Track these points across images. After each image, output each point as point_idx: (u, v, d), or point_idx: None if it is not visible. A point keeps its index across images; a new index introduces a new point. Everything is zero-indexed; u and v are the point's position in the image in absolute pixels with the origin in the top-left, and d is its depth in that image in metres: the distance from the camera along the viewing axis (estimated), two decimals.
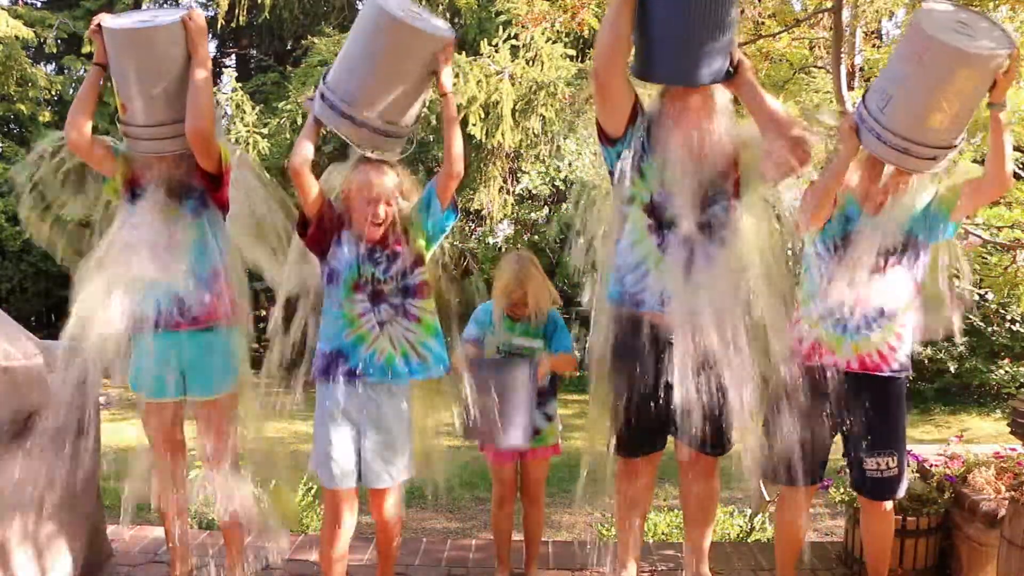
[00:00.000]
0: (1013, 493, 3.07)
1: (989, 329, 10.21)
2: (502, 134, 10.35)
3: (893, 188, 2.76)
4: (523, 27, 6.62)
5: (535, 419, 3.04)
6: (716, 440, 2.90)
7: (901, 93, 2.52)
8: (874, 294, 2.75)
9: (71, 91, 13.77)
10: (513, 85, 10.36)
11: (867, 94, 2.70)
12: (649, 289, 2.74)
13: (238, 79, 12.70)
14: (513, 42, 10.30)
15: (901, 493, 2.92)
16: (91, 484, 3.00)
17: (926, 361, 10.06)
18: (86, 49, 12.87)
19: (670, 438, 2.93)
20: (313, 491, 4.67)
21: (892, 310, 2.77)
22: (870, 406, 2.78)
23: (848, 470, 2.97)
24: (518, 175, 11.95)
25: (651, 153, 2.72)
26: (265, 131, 11.20)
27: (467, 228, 12.79)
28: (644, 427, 2.87)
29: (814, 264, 2.83)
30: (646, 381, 2.79)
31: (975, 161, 4.43)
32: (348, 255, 2.70)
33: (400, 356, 2.70)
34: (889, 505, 2.93)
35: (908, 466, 2.97)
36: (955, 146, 2.59)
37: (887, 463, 2.81)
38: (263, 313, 13.78)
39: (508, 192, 11.74)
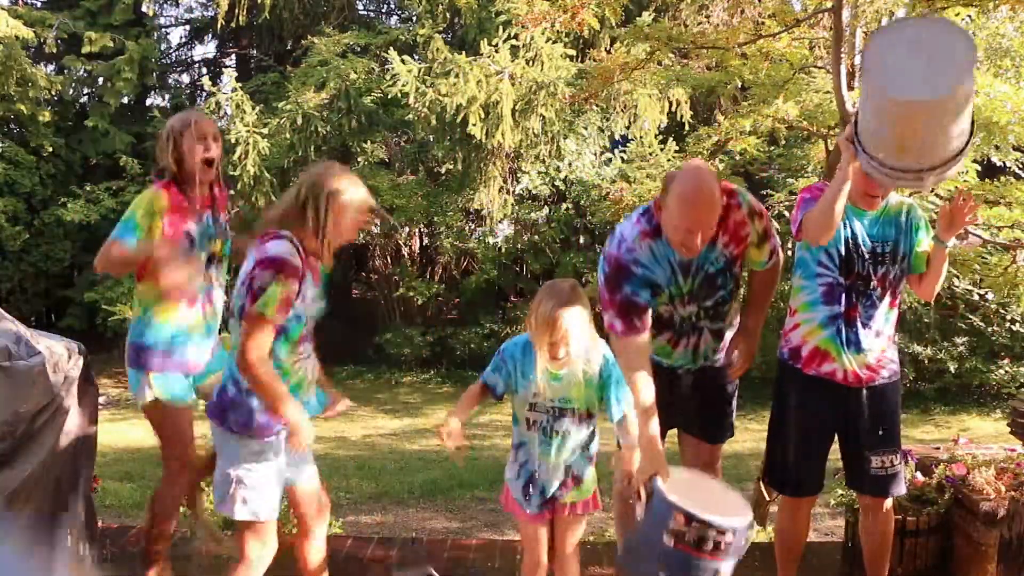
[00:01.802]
0: (1013, 493, 3.08)
1: (989, 329, 10.20)
2: (502, 134, 10.33)
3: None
4: (523, 27, 6.63)
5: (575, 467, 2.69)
6: (718, 428, 2.92)
7: (866, 125, 2.42)
8: (870, 305, 2.75)
9: (71, 91, 13.77)
10: (513, 85, 10.35)
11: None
12: (658, 361, 2.78)
13: (238, 79, 12.69)
14: (513, 42, 10.29)
15: (903, 490, 2.94)
16: (87, 483, 3.00)
17: (926, 361, 10.06)
18: (86, 49, 12.87)
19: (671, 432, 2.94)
20: None
21: (885, 321, 2.79)
22: (871, 411, 2.79)
23: (846, 472, 2.97)
24: (518, 175, 11.94)
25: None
26: (265, 131, 11.18)
27: (467, 228, 12.79)
28: None
29: (813, 271, 2.81)
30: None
31: (974, 161, 4.43)
32: (303, 306, 2.44)
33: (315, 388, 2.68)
34: (890, 503, 2.94)
35: (906, 464, 2.98)
36: (951, 160, 2.37)
37: (891, 460, 2.83)
38: None
39: (508, 192, 11.73)
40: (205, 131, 2.86)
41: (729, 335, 2.87)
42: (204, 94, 14.67)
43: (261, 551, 2.53)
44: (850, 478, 2.96)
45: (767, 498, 4.17)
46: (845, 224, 2.73)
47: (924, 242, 2.78)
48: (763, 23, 4.75)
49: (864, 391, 2.79)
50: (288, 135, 11.19)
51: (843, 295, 2.74)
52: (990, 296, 8.87)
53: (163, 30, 16.40)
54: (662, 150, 9.96)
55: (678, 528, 2.24)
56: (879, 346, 2.78)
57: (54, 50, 13.12)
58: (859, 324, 2.74)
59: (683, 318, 2.76)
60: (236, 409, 2.44)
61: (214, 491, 2.56)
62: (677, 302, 2.72)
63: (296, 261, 2.36)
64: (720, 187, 2.53)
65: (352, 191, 2.45)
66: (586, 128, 11.63)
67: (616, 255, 2.63)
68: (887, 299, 2.78)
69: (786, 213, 7.94)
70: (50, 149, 13.27)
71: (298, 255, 2.38)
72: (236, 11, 12.76)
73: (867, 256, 2.73)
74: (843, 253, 2.74)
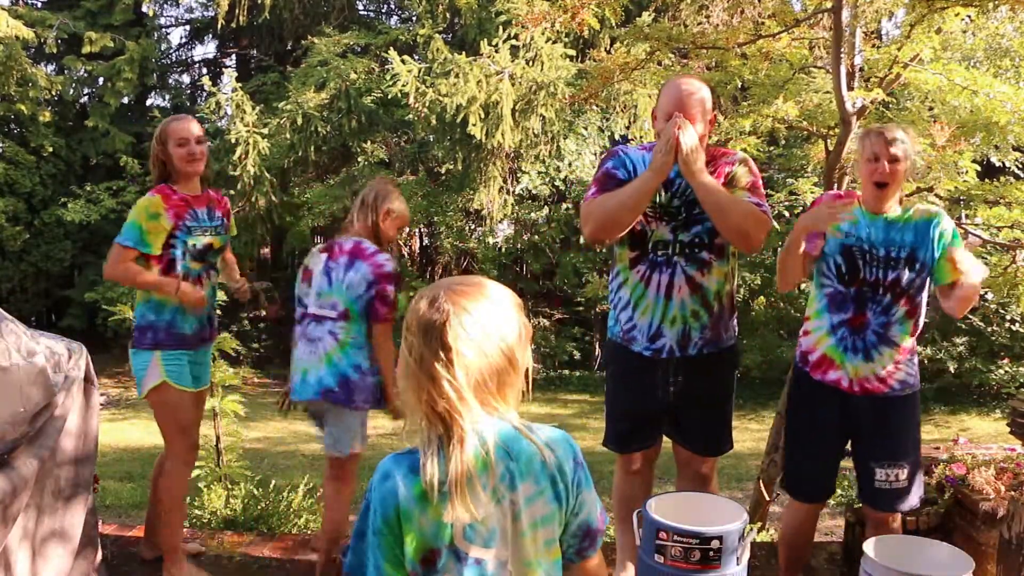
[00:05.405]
0: (1013, 493, 3.08)
1: (989, 329, 10.21)
2: (502, 134, 10.34)
3: (893, 189, 2.66)
4: (523, 27, 6.63)
5: None
6: (711, 441, 2.90)
7: None
8: (881, 312, 2.67)
9: (71, 91, 13.79)
10: (513, 85, 10.35)
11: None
12: (638, 327, 2.77)
13: (238, 79, 12.70)
14: (513, 42, 10.30)
15: (908, 506, 2.80)
16: (87, 483, 2.99)
17: (926, 361, 10.06)
18: (86, 49, 12.88)
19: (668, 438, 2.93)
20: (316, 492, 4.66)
21: (900, 330, 2.68)
22: (878, 422, 2.72)
23: (857, 483, 2.89)
24: (518, 175, 11.94)
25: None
26: (265, 131, 11.19)
27: (467, 228, 12.80)
28: (634, 425, 2.88)
29: (819, 281, 2.77)
30: (640, 401, 2.83)
31: (974, 161, 4.43)
32: None
33: None
34: (897, 521, 2.85)
35: (922, 480, 2.85)
36: None
37: (896, 475, 2.72)
38: (263, 313, 13.79)
39: (508, 192, 11.74)
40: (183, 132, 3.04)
41: (714, 310, 2.75)
42: (204, 94, 14.70)
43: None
44: (859, 490, 2.87)
45: (767, 498, 4.18)
46: (847, 233, 2.68)
47: (950, 252, 2.61)
48: (763, 23, 4.75)
49: (869, 400, 2.71)
50: (288, 135, 11.20)
51: (850, 302, 2.69)
52: (990, 296, 8.88)
53: (163, 30, 16.43)
54: None
55: (663, 544, 2.24)
56: (892, 356, 2.68)
57: (54, 50, 13.14)
58: (869, 331, 2.67)
59: (656, 240, 2.70)
60: (361, 390, 3.04)
61: (336, 444, 3.09)
62: (649, 212, 2.70)
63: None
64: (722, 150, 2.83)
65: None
66: (586, 128, 11.63)
67: (611, 149, 2.94)
68: (901, 306, 2.66)
69: (786, 213, 7.94)
70: (50, 149, 13.29)
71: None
72: (236, 11, 12.78)
73: (878, 261, 2.66)
74: (841, 262, 2.69)
